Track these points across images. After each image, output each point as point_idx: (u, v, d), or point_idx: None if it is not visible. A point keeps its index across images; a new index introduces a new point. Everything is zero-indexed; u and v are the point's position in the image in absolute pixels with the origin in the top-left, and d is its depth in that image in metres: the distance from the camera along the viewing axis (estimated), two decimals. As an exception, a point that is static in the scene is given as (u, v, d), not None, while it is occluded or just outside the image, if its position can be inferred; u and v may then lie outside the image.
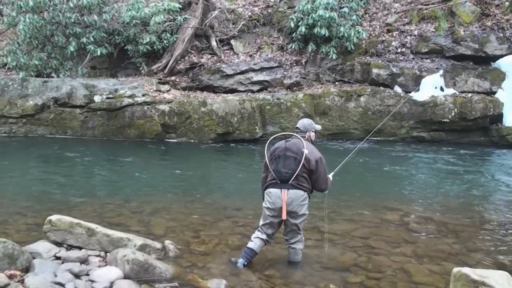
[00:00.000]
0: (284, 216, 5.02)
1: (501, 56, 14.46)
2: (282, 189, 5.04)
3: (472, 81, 14.43)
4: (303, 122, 5.49)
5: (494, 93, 14.25)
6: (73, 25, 15.11)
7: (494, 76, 14.38)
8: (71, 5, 14.61)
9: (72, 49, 15.00)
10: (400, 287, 4.86)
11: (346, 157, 5.93)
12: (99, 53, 15.21)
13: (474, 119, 13.78)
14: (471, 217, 7.41)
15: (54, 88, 14.00)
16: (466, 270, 3.66)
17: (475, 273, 3.60)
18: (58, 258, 5.03)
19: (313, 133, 5.46)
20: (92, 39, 15.07)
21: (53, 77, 15.19)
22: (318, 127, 5.58)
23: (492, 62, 14.68)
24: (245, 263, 5.13)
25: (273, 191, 5.09)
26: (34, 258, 4.87)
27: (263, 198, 5.25)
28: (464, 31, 14.80)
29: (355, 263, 5.45)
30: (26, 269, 4.66)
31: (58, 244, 5.30)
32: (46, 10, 15.27)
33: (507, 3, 15.02)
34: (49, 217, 5.43)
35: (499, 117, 13.98)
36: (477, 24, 14.93)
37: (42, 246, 5.17)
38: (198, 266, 5.19)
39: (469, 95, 14.02)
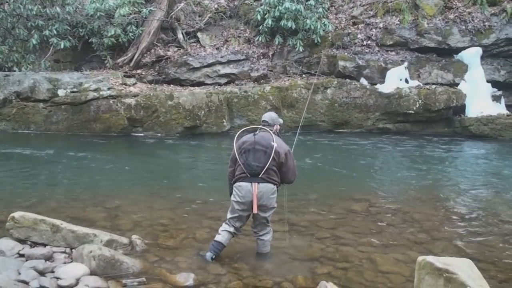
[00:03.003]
0: (255, 210, 5.01)
1: (464, 48, 14.77)
2: (253, 183, 5.02)
3: (436, 73, 14.69)
4: (271, 115, 5.48)
5: (457, 84, 14.57)
6: (35, 18, 14.76)
7: (457, 68, 14.68)
8: (33, -4, 14.28)
9: (34, 42, 14.67)
10: (367, 276, 4.93)
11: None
12: (62, 46, 14.90)
13: (438, 111, 14.03)
14: (435, 206, 7.56)
15: (16, 82, 13.67)
16: (430, 258, 3.73)
17: (439, 261, 3.67)
18: (21, 255, 4.94)
19: (279, 126, 5.48)
20: (55, 31, 14.77)
21: (15, 70, 14.83)
22: (281, 120, 5.63)
23: (455, 54, 14.99)
24: (213, 256, 5.12)
25: (243, 184, 5.07)
26: (-4, 256, 4.77)
27: (231, 192, 5.24)
28: (427, 23, 15.04)
29: (323, 253, 5.50)
30: (-12, 268, 4.55)
31: (22, 241, 5.21)
32: (7, 2, 14.89)
33: (469, -4, 15.32)
34: (12, 214, 5.33)
35: (462, 108, 14.30)
36: (440, 16, 15.19)
37: (4, 244, 5.07)
38: (166, 260, 5.16)
39: (433, 86, 14.27)
